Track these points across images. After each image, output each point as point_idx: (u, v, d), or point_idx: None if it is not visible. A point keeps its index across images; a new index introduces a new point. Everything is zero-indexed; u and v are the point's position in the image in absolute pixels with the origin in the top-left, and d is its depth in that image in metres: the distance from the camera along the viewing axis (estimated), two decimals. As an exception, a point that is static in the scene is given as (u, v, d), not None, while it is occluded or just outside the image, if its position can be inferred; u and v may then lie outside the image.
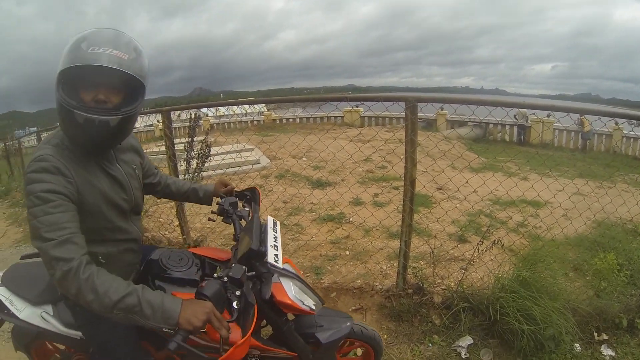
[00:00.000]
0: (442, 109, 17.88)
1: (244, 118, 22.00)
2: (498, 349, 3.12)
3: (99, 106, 1.50)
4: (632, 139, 17.31)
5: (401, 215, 3.32)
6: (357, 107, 18.24)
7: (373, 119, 19.68)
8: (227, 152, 7.79)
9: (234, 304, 1.47)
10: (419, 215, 5.43)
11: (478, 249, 3.45)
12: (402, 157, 3.28)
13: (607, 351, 3.18)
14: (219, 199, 2.17)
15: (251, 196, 2.20)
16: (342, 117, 19.79)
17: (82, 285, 1.35)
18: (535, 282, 3.11)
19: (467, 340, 3.16)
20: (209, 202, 2.31)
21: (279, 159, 9.34)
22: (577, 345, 3.16)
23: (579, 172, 9.40)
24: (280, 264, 1.74)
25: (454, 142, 10.49)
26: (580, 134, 17.43)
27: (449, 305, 3.32)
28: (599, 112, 3.45)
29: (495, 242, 3.47)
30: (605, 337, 3.30)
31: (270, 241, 1.79)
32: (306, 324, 2.04)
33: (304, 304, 1.83)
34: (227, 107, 22.35)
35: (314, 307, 1.89)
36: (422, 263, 4.18)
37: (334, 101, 3.57)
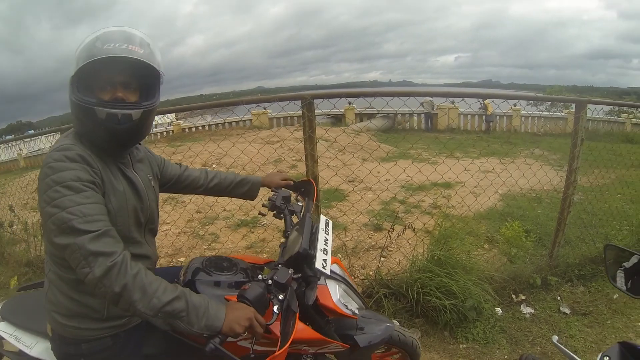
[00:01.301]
0: (350, 103, 18.32)
1: (154, 130, 21.12)
2: (425, 326, 3.20)
3: (118, 103, 1.45)
4: (529, 118, 19.04)
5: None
6: (265, 109, 18.26)
7: (282, 119, 19.70)
8: None
9: (275, 307, 1.41)
10: (332, 210, 5.51)
11: (390, 236, 3.53)
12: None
13: (526, 309, 3.41)
14: (273, 195, 2.03)
15: (306, 189, 2.09)
16: (251, 120, 19.62)
17: (130, 282, 1.23)
18: (449, 259, 3.25)
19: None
20: (253, 196, 2.19)
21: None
22: (498, 309, 3.35)
23: (484, 152, 9.97)
24: (328, 271, 1.65)
25: (363, 134, 10.72)
26: (484, 117, 18.60)
27: (370, 293, 3.35)
28: (499, 95, 3.72)
29: (407, 226, 3.57)
30: (523, 297, 3.54)
31: (321, 244, 1.69)
32: (346, 326, 1.97)
33: (347, 308, 1.79)
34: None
35: (357, 312, 1.84)
36: (340, 256, 4.23)
37: (231, 105, 3.51)
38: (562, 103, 17.54)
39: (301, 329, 1.39)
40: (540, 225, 4.93)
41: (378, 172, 4.55)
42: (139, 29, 1.52)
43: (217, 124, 20.24)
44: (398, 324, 2.23)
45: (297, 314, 1.45)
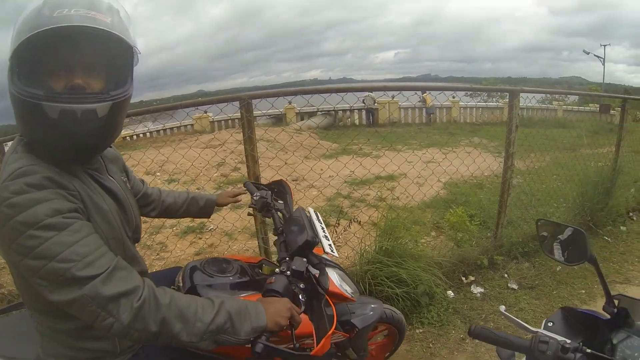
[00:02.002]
0: (290, 102, 18.37)
1: None
2: (378, 316, 3.23)
3: (76, 94, 1.06)
4: (467, 108, 19.98)
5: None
6: (205, 112, 18.02)
7: (223, 122, 19.47)
8: None
9: (300, 296, 1.39)
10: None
11: (336, 230, 3.54)
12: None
13: (476, 289, 3.53)
14: (255, 194, 1.93)
15: (279, 190, 2.04)
16: (193, 124, 19.32)
17: (167, 314, 1.03)
18: (397, 248, 3.29)
19: (346, 316, 3.24)
20: (209, 214, 2.03)
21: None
22: (450, 292, 3.44)
23: (424, 143, 10.23)
24: (336, 253, 1.68)
25: (304, 132, 10.74)
26: (424, 109, 19.14)
27: (322, 288, 3.33)
28: (434, 87, 3.82)
29: (353, 219, 3.59)
30: (472, 278, 3.66)
31: (320, 232, 1.69)
32: (341, 312, 1.94)
33: (347, 291, 1.81)
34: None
35: (354, 295, 1.86)
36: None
37: (168, 110, 3.41)
38: (498, 93, 18.41)
39: (306, 324, 1.33)
40: (483, 209, 5.09)
41: (320, 169, 4.56)
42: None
43: (159, 130, 19.73)
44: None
45: (327, 295, 1.46)
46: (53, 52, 1.04)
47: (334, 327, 1.26)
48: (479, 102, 20.59)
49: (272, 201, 1.90)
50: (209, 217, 2.10)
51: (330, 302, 1.51)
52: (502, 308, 1.53)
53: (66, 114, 1.04)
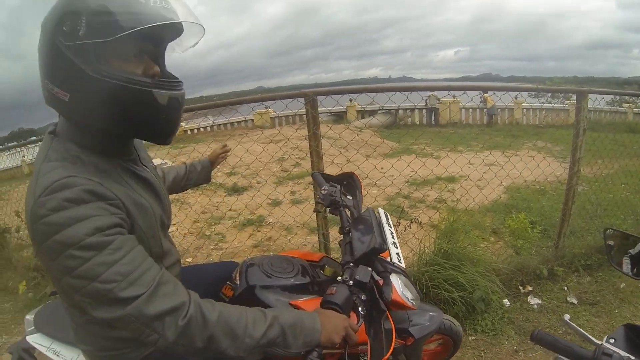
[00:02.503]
0: (351, 100, 18.33)
1: None
2: (435, 318, 3.24)
3: (170, 81, 1.12)
4: (531, 110, 19.11)
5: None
6: (267, 108, 18.23)
7: (283, 118, 19.62)
8: None
9: (360, 309, 1.32)
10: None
11: (397, 230, 3.56)
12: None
13: (534, 300, 3.44)
14: (324, 188, 1.84)
15: (348, 183, 1.96)
16: (252, 120, 19.65)
17: (214, 331, 1.02)
18: (456, 252, 3.28)
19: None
20: (208, 179, 2.03)
21: None
22: (506, 301, 3.38)
23: (487, 145, 9.99)
24: (403, 264, 1.60)
25: (366, 131, 10.74)
26: (485, 110, 18.63)
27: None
28: (497, 87, 3.77)
29: (413, 220, 3.61)
30: (530, 288, 3.57)
31: (389, 238, 1.61)
32: (399, 319, 1.83)
33: (408, 300, 1.67)
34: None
35: (414, 303, 1.71)
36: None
37: (233, 105, 3.55)
38: (563, 94, 17.58)
39: (362, 332, 1.30)
40: (545, 217, 4.98)
41: (382, 168, 4.59)
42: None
43: (220, 125, 20.15)
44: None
45: (388, 312, 1.39)
46: (140, 41, 1.04)
47: (390, 351, 1.22)
48: (543, 103, 19.56)
49: (340, 198, 1.80)
50: (209, 182, 2.07)
51: (390, 318, 1.40)
52: (567, 317, 1.50)
53: (172, 101, 1.08)
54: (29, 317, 1.85)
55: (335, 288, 1.31)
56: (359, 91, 3.92)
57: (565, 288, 3.59)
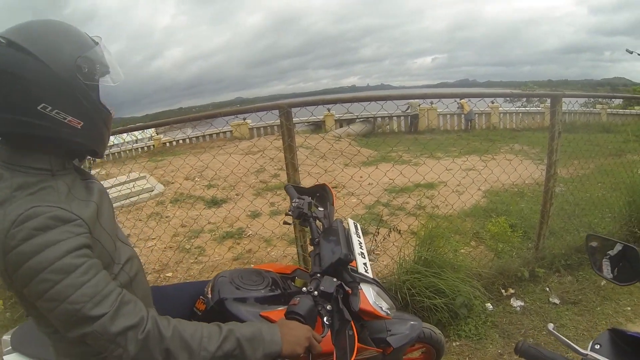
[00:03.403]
0: (329, 110, 18.35)
1: (134, 145, 20.74)
2: (416, 327, 3.19)
3: None
4: (507, 114, 19.36)
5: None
6: (244, 120, 18.19)
7: (262, 129, 19.58)
8: (117, 184, 7.38)
9: (325, 319, 1.34)
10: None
11: (376, 239, 3.52)
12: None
13: (516, 302, 3.43)
14: (294, 200, 1.87)
15: (321, 195, 1.98)
16: (232, 131, 19.61)
17: (171, 345, 1.09)
18: (436, 259, 3.24)
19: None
20: None
21: (173, 182, 9.00)
22: (488, 305, 3.35)
23: (464, 150, 10.05)
24: (370, 274, 1.61)
25: (343, 140, 10.75)
26: (462, 115, 18.82)
27: (359, 297, 3.32)
28: (474, 94, 3.78)
29: (392, 228, 3.57)
30: (512, 291, 3.55)
31: (357, 248, 1.64)
32: (377, 329, 1.89)
33: (382, 309, 1.68)
34: (115, 135, 20.91)
35: (389, 312, 1.74)
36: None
37: (209, 118, 3.50)
38: (538, 98, 17.87)
39: (327, 342, 1.31)
40: (525, 219, 4.97)
41: (360, 177, 4.56)
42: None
43: (198, 137, 20.08)
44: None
45: (352, 322, 1.38)
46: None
47: (354, 356, 1.23)
48: (518, 107, 19.95)
49: (309, 210, 1.81)
50: None
51: (354, 326, 1.39)
52: (551, 326, 1.45)
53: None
54: (6, 337, 1.86)
55: (298, 299, 1.34)
56: (335, 102, 3.87)
57: (547, 289, 3.58)
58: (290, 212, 1.84)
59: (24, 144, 1.17)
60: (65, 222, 1.08)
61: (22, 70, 1.08)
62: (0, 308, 4.36)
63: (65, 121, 1.15)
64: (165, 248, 5.31)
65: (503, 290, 3.52)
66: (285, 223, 2.01)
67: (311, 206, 1.84)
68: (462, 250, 3.93)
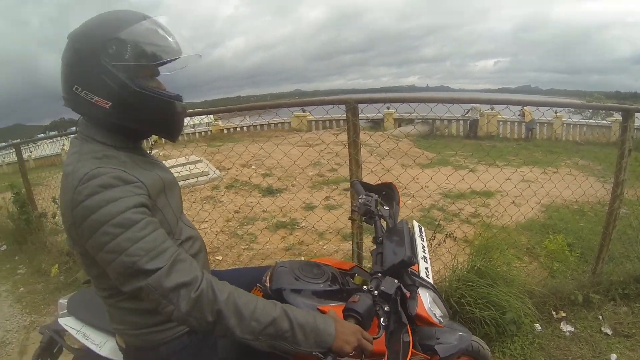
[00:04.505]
0: (388, 108, 18.13)
1: (191, 129, 21.36)
2: (464, 337, 3.15)
3: (175, 94, 1.41)
4: (571, 125, 18.35)
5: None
6: (304, 111, 18.30)
7: (320, 122, 19.59)
8: (176, 166, 7.65)
9: (381, 320, 1.32)
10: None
11: (431, 244, 3.48)
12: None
13: (566, 327, 3.29)
14: (361, 197, 1.85)
15: (387, 193, 1.95)
16: (289, 122, 19.74)
17: (223, 307, 1.10)
18: (490, 270, 3.18)
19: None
20: None
21: (228, 168, 9.20)
22: (537, 325, 3.25)
23: (524, 160, 9.73)
24: (431, 279, 1.61)
25: (402, 139, 10.66)
26: (524, 124, 18.14)
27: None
28: (537, 102, 3.62)
29: (448, 235, 3.53)
30: (563, 314, 3.41)
31: (420, 252, 1.64)
32: (426, 335, 1.84)
33: (435, 316, 1.66)
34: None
35: (442, 320, 1.70)
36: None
37: (273, 108, 3.56)
38: (604, 111, 16.89)
39: (381, 342, 1.31)
40: (583, 239, 4.78)
41: (418, 179, 4.50)
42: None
43: (256, 126, 20.36)
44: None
45: (408, 327, 1.38)
46: (166, 66, 1.38)
47: None
48: (582, 119, 18.62)
49: (375, 208, 1.78)
50: None
51: (410, 332, 1.41)
52: (614, 357, 1.40)
53: (182, 109, 1.41)
54: (63, 300, 1.95)
55: (358, 297, 1.32)
56: (400, 101, 3.83)
57: (600, 317, 3.40)
58: (356, 208, 1.82)
59: (89, 120, 1.34)
60: (127, 183, 1.17)
61: (64, 58, 1.27)
62: (55, 272, 4.65)
63: (93, 101, 1.26)
64: (217, 232, 5.45)
65: (554, 312, 3.41)
66: (350, 219, 2.00)
67: (377, 204, 1.82)
68: (515, 265, 3.82)
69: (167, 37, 1.33)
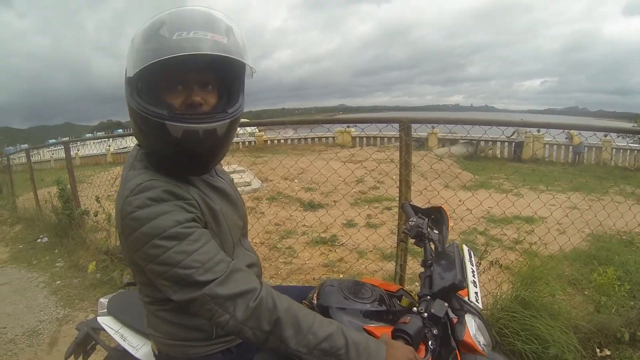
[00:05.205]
0: (433, 127, 17.98)
1: (235, 139, 21.51)
2: (503, 369, 3.06)
3: (195, 111, 1.15)
4: (621, 150, 17.57)
5: (396, 238, 3.23)
6: (349, 127, 18.33)
7: (365, 139, 19.60)
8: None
9: (430, 342, 1.31)
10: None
11: (477, 269, 3.42)
12: (394, 177, 3.24)
13: (610, 367, 3.12)
14: (411, 219, 1.83)
15: (436, 217, 1.93)
16: (334, 137, 19.73)
17: (283, 316, 1.07)
18: (534, 301, 3.09)
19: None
20: None
21: (271, 180, 9.24)
22: (580, 363, 3.11)
23: (571, 185, 9.43)
24: (480, 305, 1.58)
25: (446, 160, 10.53)
26: (571, 147, 17.60)
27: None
28: (585, 127, 3.50)
29: (493, 262, 3.45)
30: (608, 352, 3.25)
31: (470, 276, 1.61)
32: None
33: (480, 344, 1.59)
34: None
35: (485, 349, 1.63)
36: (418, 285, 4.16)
37: (326, 123, 3.58)
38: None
39: None
40: (632, 274, 4.58)
41: (459, 200, 4.44)
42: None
43: (300, 139, 20.45)
44: None
45: (457, 352, 1.38)
46: (175, 73, 1.11)
47: None
48: (631, 143, 17.61)
49: (427, 231, 1.77)
50: None
51: (459, 357, 1.40)
52: None
53: (189, 134, 1.10)
54: (103, 300, 1.99)
55: (409, 318, 1.30)
56: (456, 122, 3.73)
57: (647, 357, 3.25)
58: (407, 231, 1.81)
59: None
60: (178, 198, 1.14)
61: None
62: (92, 268, 4.80)
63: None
64: (256, 243, 5.46)
65: (598, 350, 3.25)
66: (400, 240, 1.99)
67: (427, 227, 1.81)
68: (560, 297, 3.70)
69: (164, 30, 1.06)
